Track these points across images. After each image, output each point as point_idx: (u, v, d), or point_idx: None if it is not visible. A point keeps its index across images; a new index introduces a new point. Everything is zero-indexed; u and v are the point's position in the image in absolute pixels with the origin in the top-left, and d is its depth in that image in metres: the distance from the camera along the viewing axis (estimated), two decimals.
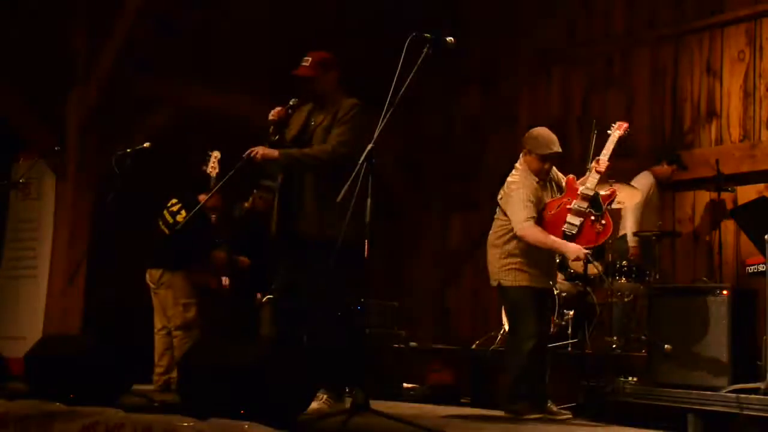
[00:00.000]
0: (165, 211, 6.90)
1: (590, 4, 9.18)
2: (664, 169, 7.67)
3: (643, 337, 6.30)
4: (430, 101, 10.35)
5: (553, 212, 5.32)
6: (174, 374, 6.66)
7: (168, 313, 6.78)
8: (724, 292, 5.29)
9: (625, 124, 5.62)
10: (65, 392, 4.49)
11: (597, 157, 5.48)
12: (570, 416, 5.30)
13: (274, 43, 8.87)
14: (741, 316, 5.29)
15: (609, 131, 5.64)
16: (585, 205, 5.27)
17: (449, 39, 4.37)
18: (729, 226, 7.39)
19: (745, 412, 4.85)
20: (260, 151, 4.87)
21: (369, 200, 4.13)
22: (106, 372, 4.72)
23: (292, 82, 5.02)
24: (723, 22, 8.15)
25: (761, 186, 7.59)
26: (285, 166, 4.89)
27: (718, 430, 5.36)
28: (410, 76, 4.14)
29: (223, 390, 3.70)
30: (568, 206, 5.30)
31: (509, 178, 5.48)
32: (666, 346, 5.35)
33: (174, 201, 6.95)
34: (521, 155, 5.53)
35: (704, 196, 7.83)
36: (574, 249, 5.18)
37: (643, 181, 7.55)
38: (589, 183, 5.33)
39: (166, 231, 6.73)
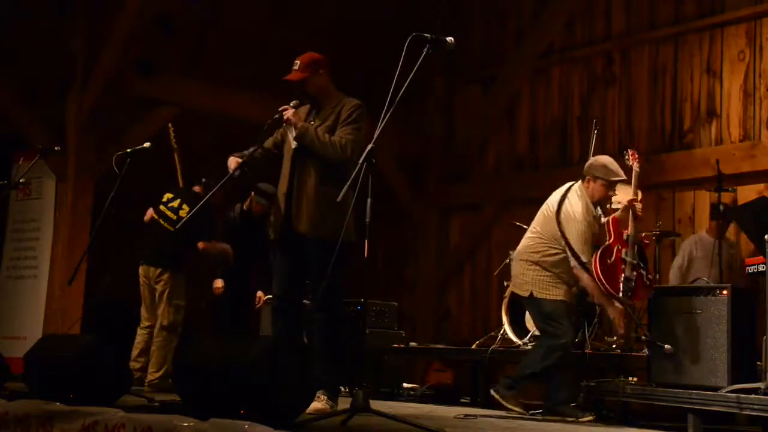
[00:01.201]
0: (162, 207, 6.87)
1: (590, 4, 9.18)
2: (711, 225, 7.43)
3: (643, 337, 6.30)
4: (430, 101, 10.37)
5: (611, 261, 5.34)
6: (155, 374, 6.65)
7: (157, 311, 6.78)
8: (724, 292, 5.29)
9: (636, 153, 5.65)
10: (65, 392, 4.49)
11: (634, 199, 5.44)
12: (592, 418, 5.30)
13: (273, 42, 8.87)
14: (741, 316, 5.28)
15: (628, 162, 5.58)
16: (635, 256, 5.35)
17: (449, 39, 4.35)
18: (729, 227, 7.38)
19: (745, 412, 4.85)
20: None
21: (369, 200, 4.13)
22: (106, 372, 4.72)
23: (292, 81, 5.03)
24: (723, 22, 8.15)
25: (761, 186, 7.59)
26: (300, 136, 4.86)
27: (718, 430, 5.37)
28: (410, 76, 4.13)
29: (223, 390, 3.69)
30: (620, 256, 5.33)
31: (571, 205, 5.44)
32: (666, 346, 5.34)
33: (170, 196, 6.92)
34: (582, 182, 5.50)
35: (704, 196, 7.82)
36: (618, 312, 5.39)
37: (683, 245, 7.49)
38: (631, 230, 5.37)
39: (170, 228, 6.73)
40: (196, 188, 7.00)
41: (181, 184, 7.04)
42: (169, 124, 7.16)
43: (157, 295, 6.81)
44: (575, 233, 5.33)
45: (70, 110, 8.12)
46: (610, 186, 5.42)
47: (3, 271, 8.69)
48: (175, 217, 6.78)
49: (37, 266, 8.30)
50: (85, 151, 8.04)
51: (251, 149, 4.99)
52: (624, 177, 5.46)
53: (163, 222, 6.83)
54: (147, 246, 6.89)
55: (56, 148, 6.78)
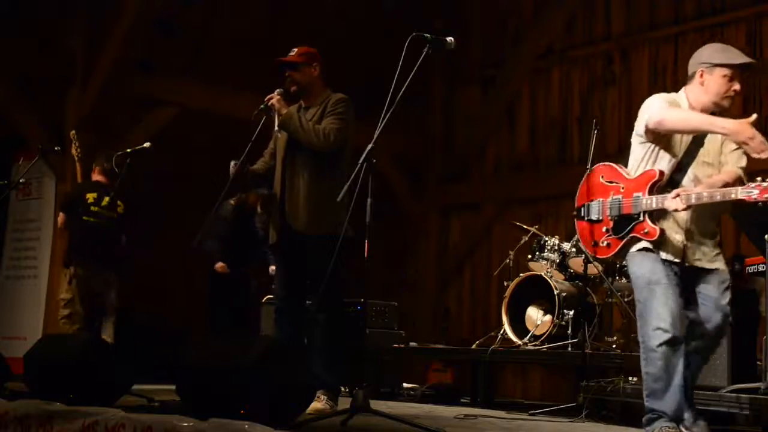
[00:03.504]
0: (93, 208, 6.90)
1: (590, 4, 9.19)
2: None
3: None
4: (430, 101, 10.37)
5: (602, 181, 4.29)
6: None
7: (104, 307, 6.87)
8: None
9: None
10: (65, 392, 4.48)
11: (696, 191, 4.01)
12: None
13: (273, 42, 8.86)
14: (741, 316, 5.27)
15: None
16: (622, 212, 4.19)
17: (449, 39, 4.36)
18: (729, 226, 7.38)
19: (745, 412, 4.85)
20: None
21: (369, 200, 4.13)
22: (106, 372, 4.72)
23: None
24: (723, 22, 8.15)
25: None
26: (283, 122, 4.88)
27: (718, 430, 5.36)
28: (410, 76, 4.14)
29: (223, 390, 3.69)
30: (615, 193, 4.20)
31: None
32: None
33: (93, 195, 6.92)
34: (689, 84, 4.16)
35: None
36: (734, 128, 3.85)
37: None
38: (654, 201, 4.05)
39: (110, 225, 6.83)
40: (100, 177, 7.04)
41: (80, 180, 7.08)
42: (72, 132, 7.02)
43: (101, 292, 6.88)
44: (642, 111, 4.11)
45: (70, 110, 8.12)
46: (734, 74, 4.04)
47: (3, 271, 8.69)
48: (115, 215, 6.86)
49: (37, 266, 8.30)
50: (85, 151, 8.03)
51: (247, 148, 4.99)
52: (753, 60, 4.19)
53: (105, 222, 6.87)
54: (85, 247, 6.87)
55: (56, 148, 6.80)
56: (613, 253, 4.25)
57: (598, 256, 4.44)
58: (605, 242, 4.26)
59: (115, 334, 6.80)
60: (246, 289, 7.69)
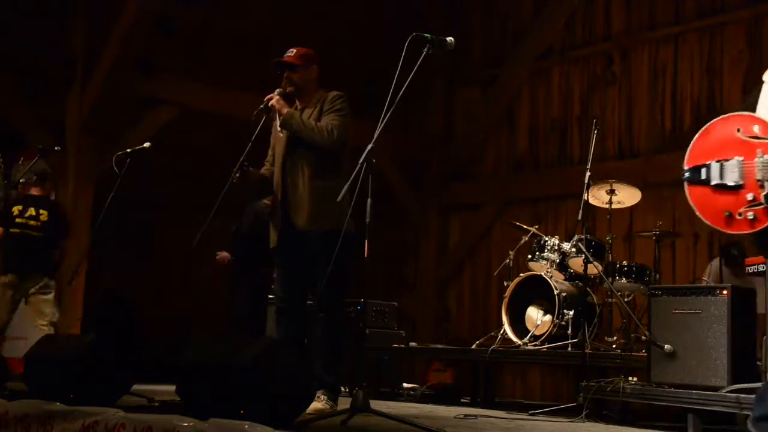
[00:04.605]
0: (19, 220, 7.00)
1: (590, 4, 9.20)
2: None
3: (643, 337, 6.30)
4: (430, 101, 10.38)
5: (739, 135, 3.47)
6: None
7: (47, 314, 6.97)
8: (724, 292, 5.28)
9: None
10: (65, 392, 4.48)
11: None
12: None
13: (273, 42, 8.86)
14: (741, 316, 5.27)
15: None
16: None
17: (449, 39, 4.36)
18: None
19: (745, 412, 4.85)
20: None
21: (369, 200, 4.12)
22: (106, 372, 4.72)
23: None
24: (723, 22, 8.16)
25: None
26: (285, 122, 4.88)
27: (718, 431, 5.37)
28: (410, 77, 4.14)
29: (223, 390, 3.69)
30: (766, 152, 3.41)
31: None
32: (666, 346, 5.34)
33: (19, 207, 7.04)
34: None
35: None
36: None
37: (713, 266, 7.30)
38: None
39: (36, 233, 6.93)
40: (34, 191, 7.17)
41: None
42: None
43: (41, 303, 6.99)
44: None
45: (70, 110, 8.13)
46: None
47: None
48: (39, 224, 6.97)
49: None
50: (85, 151, 8.04)
51: (247, 148, 4.99)
52: None
53: (30, 231, 6.98)
54: (15, 257, 6.97)
55: (56, 148, 6.81)
56: (759, 228, 3.42)
57: (730, 231, 3.55)
58: (749, 214, 3.42)
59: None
60: (266, 289, 7.67)
